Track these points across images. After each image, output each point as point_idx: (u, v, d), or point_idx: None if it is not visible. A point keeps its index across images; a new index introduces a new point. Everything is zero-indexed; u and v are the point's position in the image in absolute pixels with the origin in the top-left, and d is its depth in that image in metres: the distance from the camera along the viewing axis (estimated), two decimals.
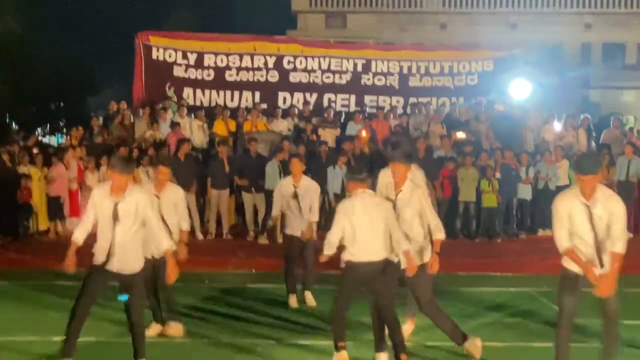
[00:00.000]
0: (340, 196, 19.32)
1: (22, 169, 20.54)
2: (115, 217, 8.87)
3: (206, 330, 11.16)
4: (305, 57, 26.60)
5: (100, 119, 24.74)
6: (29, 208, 20.27)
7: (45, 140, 44.70)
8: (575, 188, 8.36)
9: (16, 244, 19.04)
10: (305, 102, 25.73)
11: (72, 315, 9.01)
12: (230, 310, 12.45)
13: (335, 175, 20.27)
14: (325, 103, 26.12)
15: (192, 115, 24.01)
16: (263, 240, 19.68)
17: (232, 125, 23.73)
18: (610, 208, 8.25)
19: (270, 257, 16.36)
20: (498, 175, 20.94)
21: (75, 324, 9.01)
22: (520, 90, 26.13)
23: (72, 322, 9.00)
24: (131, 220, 8.93)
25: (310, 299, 12.98)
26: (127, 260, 9.00)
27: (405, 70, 26.85)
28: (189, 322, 11.20)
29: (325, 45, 28.18)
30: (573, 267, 8.43)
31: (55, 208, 20.57)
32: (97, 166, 21.25)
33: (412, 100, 26.29)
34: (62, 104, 44.99)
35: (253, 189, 20.35)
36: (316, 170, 20.21)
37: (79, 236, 9.10)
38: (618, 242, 8.21)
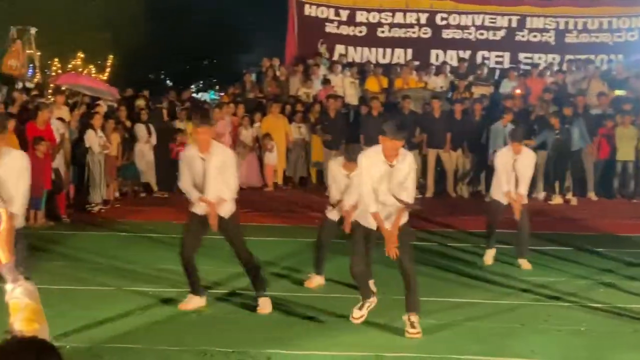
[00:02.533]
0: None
1: (179, 124, 20.94)
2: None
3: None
4: (459, 14, 26.30)
5: (253, 76, 25.00)
6: None
7: (198, 96, 45.59)
8: None
9: (172, 198, 19.45)
10: (461, 59, 25.43)
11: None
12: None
13: (498, 133, 19.67)
14: (479, 60, 25.78)
15: (344, 72, 24.01)
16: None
17: (384, 82, 23.64)
18: None
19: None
20: None
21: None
22: None
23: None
24: None
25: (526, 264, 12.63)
26: None
27: (562, 27, 26.25)
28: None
29: (479, 2, 27.64)
30: None
31: None
32: (251, 122, 21.48)
33: (568, 57, 25.66)
34: (214, 60, 45.62)
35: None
36: (470, 127, 19.99)
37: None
38: None
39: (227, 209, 9.80)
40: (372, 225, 9.15)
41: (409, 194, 9.05)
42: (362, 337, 8.98)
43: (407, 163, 8.94)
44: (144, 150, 19.89)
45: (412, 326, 9.10)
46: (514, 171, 12.42)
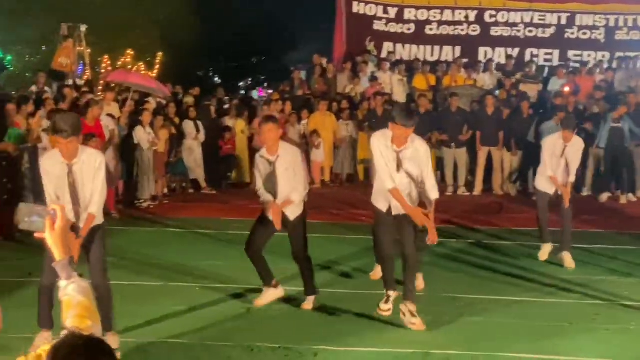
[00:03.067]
0: None
1: (227, 122, 21.04)
2: None
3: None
4: (508, 11, 26.15)
5: (302, 73, 25.05)
6: (232, 160, 20.77)
7: (246, 94, 45.76)
8: None
9: (219, 195, 19.57)
10: (508, 57, 25.30)
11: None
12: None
13: (551, 131, 19.45)
14: (528, 57, 25.60)
15: (392, 70, 23.97)
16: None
17: (432, 80, 23.60)
18: None
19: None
20: None
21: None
22: None
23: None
24: None
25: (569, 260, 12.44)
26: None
27: (612, 24, 25.99)
28: None
29: None
30: None
31: None
32: (299, 120, 21.54)
33: (618, 54, 25.42)
34: (263, 58, 45.71)
35: (453, 144, 20.15)
36: (518, 125, 19.86)
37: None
38: None
39: (294, 210, 9.83)
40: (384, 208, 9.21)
41: (433, 185, 9.20)
42: (409, 334, 8.97)
43: (415, 148, 8.99)
44: (193, 147, 20.02)
45: (413, 315, 9.13)
46: (563, 157, 12.33)
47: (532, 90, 22.67)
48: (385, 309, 9.33)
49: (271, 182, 9.65)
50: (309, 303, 9.95)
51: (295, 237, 9.91)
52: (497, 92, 22.81)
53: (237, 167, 20.97)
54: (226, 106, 21.87)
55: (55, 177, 8.02)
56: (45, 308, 8.24)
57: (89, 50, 23.63)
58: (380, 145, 9.00)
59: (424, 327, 9.07)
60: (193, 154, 20.00)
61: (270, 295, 10.04)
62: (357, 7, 26.12)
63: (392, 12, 26.17)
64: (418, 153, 9.01)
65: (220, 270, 11.32)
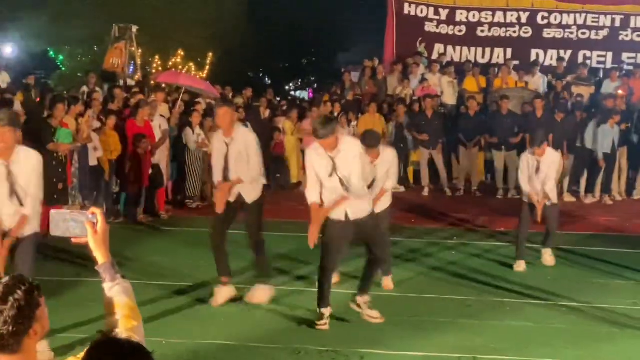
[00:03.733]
0: (610, 156, 18.87)
1: (277, 122, 21.06)
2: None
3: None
4: (560, 13, 25.86)
5: (354, 75, 25.01)
6: (281, 161, 20.77)
7: (295, 95, 45.88)
8: None
9: (268, 195, 19.54)
10: (559, 59, 25.04)
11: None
12: None
13: (606, 134, 19.30)
14: (580, 60, 25.30)
15: (442, 71, 23.84)
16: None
17: (483, 82, 23.43)
18: None
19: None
20: None
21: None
22: None
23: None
24: None
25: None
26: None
27: None
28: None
29: (581, 0, 27.19)
30: None
31: None
32: (348, 122, 21.48)
33: None
34: (313, 59, 45.84)
35: (503, 147, 19.99)
36: (568, 127, 19.64)
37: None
38: None
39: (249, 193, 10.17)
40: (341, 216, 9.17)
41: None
42: (456, 339, 8.91)
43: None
44: None
45: (370, 308, 9.40)
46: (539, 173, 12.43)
47: (584, 92, 22.42)
48: (322, 324, 9.25)
49: (224, 163, 9.99)
50: (260, 294, 10.08)
51: (250, 220, 10.17)
52: (551, 94, 22.63)
53: (284, 168, 20.95)
54: (276, 107, 21.87)
55: None
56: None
57: (140, 51, 23.81)
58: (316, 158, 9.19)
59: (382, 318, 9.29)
60: None
61: (223, 292, 10.12)
62: (408, 9, 26.03)
63: (444, 14, 26.03)
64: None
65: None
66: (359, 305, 9.38)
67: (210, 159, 18.11)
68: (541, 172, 12.35)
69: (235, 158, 9.93)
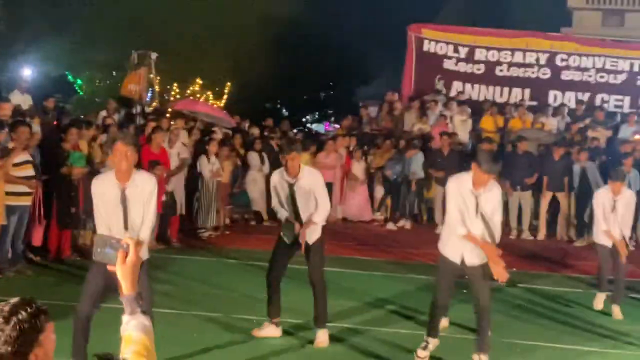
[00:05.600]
0: None
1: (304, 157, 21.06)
2: None
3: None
4: (580, 55, 25.90)
5: (371, 109, 25.05)
6: None
7: (313, 127, 45.97)
8: None
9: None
10: (578, 101, 25.03)
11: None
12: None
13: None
14: (598, 103, 25.30)
15: (454, 109, 23.82)
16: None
17: (500, 121, 23.42)
18: None
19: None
20: None
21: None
22: None
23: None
24: None
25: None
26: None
27: None
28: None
29: (601, 44, 27.26)
30: None
31: None
32: (364, 155, 21.50)
33: None
34: (331, 92, 45.93)
35: (519, 187, 19.92)
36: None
37: None
38: None
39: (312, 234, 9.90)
40: (456, 258, 8.99)
41: (497, 230, 8.91)
42: None
43: (494, 193, 8.82)
44: (257, 179, 20.06)
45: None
46: (614, 212, 12.12)
47: (600, 136, 22.38)
48: (422, 355, 9.24)
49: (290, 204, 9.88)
50: (322, 338, 9.83)
51: (313, 260, 9.96)
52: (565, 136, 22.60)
53: None
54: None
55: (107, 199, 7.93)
56: (79, 339, 7.87)
57: (158, 78, 23.90)
58: (457, 189, 8.93)
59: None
60: (257, 186, 20.03)
61: (269, 331, 10.01)
62: (427, 46, 26.12)
63: (463, 52, 26.09)
64: (496, 199, 8.87)
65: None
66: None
67: (223, 187, 18.28)
68: (617, 211, 12.10)
69: (305, 198, 9.83)
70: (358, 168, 21.23)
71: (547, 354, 10.00)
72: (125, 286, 3.64)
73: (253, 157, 20.13)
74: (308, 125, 46.43)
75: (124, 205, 7.82)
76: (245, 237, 18.02)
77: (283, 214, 9.94)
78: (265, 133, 22.30)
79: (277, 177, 9.97)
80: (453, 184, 9.03)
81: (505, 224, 19.85)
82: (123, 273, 3.64)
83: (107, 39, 28.50)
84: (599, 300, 12.46)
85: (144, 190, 7.92)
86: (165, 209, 16.02)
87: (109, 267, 3.71)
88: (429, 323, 9.42)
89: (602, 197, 12.25)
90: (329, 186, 20.58)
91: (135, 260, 3.66)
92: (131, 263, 3.64)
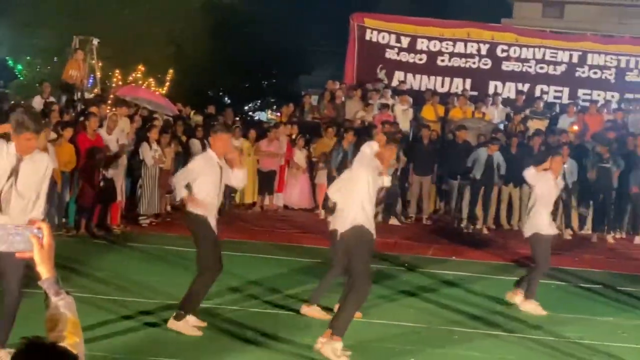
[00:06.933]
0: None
1: (234, 142, 21.02)
2: None
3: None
4: (520, 47, 26.22)
5: (314, 98, 25.11)
6: None
7: (254, 115, 45.92)
8: None
9: (220, 216, 19.48)
10: (519, 92, 25.32)
11: None
12: None
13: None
14: (537, 94, 25.63)
15: (395, 99, 23.96)
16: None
17: (441, 111, 23.60)
18: None
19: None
20: None
21: None
22: None
23: None
24: None
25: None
26: None
27: (622, 65, 26.03)
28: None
29: (540, 36, 27.57)
30: None
31: (266, 182, 20.94)
32: (306, 144, 21.54)
33: (628, 95, 25.46)
34: (273, 80, 45.79)
35: (459, 177, 20.12)
36: (527, 161, 19.79)
37: None
38: None
39: None
40: None
41: None
42: None
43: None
44: None
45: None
46: None
47: (539, 126, 22.66)
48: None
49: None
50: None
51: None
52: (506, 126, 22.88)
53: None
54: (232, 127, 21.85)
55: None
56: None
57: (100, 64, 23.71)
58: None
59: None
60: None
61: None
62: (369, 35, 26.23)
63: (405, 42, 26.24)
64: None
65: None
66: None
67: (165, 174, 18.20)
68: None
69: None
70: (300, 156, 21.28)
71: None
72: (46, 269, 3.64)
73: (195, 144, 20.07)
74: (250, 113, 46.31)
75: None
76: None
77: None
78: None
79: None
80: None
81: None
82: (41, 257, 3.64)
83: (49, 24, 28.19)
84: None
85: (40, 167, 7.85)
86: (105, 195, 15.95)
87: (18, 255, 3.69)
88: None
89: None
90: (271, 174, 20.82)
91: (52, 242, 3.67)
92: (48, 246, 3.65)
